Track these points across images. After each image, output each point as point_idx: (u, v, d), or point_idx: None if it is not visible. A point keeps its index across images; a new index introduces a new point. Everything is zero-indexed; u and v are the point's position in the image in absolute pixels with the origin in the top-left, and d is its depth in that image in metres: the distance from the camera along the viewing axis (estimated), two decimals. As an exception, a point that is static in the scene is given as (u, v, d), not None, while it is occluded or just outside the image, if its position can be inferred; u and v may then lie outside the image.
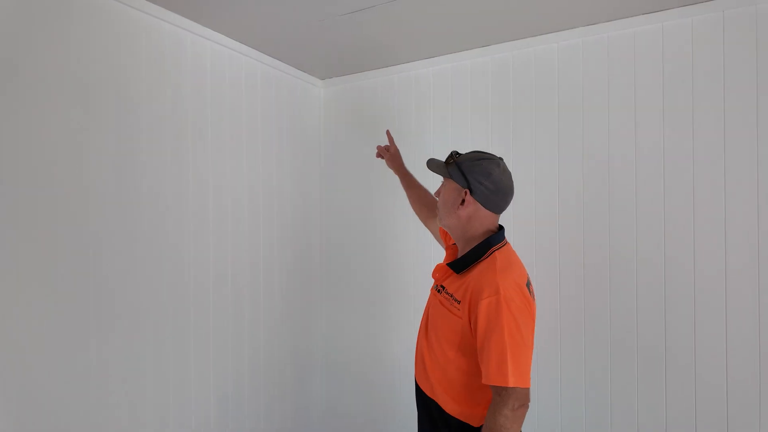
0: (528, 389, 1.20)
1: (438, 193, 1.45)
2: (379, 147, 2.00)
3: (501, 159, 1.39)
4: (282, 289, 2.36)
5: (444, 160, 1.44)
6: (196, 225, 1.91)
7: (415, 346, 1.56)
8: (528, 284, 1.32)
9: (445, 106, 2.25)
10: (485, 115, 2.14)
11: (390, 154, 1.95)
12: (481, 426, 1.28)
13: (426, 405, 1.40)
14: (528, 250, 2.00)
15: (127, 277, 1.65)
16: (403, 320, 2.35)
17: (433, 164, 1.46)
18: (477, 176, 1.33)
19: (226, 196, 2.04)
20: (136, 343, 1.68)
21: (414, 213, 1.91)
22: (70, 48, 1.50)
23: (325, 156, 2.63)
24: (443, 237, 1.70)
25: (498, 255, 1.30)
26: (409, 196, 1.90)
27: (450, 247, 1.54)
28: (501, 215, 1.41)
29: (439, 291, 1.40)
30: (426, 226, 1.86)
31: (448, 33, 2.00)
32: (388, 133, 2.02)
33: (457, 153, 1.41)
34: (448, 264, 1.39)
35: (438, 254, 2.11)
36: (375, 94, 2.46)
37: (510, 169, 1.40)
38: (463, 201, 1.34)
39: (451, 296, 1.33)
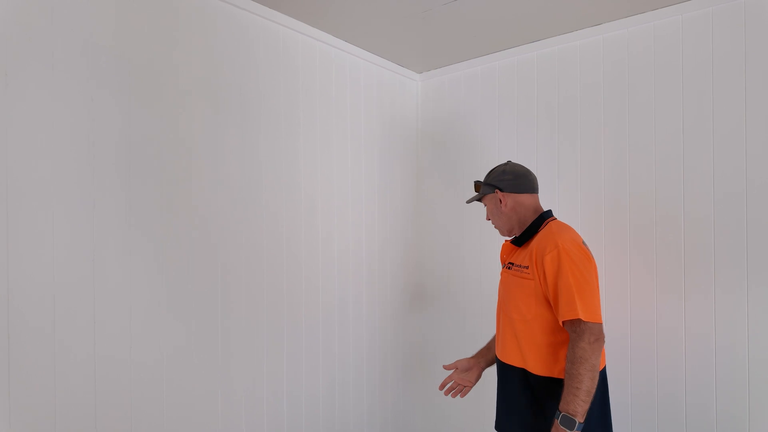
0: (600, 325, 1.35)
1: (487, 216, 1.68)
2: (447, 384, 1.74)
3: (508, 161, 1.70)
4: (381, 291, 2.40)
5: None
6: (307, 221, 1.99)
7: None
8: (584, 243, 1.48)
9: (551, 91, 2.14)
10: (596, 99, 2.00)
11: (462, 371, 1.74)
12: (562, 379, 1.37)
13: (511, 377, 1.52)
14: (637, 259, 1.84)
15: (248, 268, 1.77)
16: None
17: (472, 199, 1.73)
18: (496, 177, 1.62)
19: (332, 193, 2.11)
20: (255, 334, 1.80)
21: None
22: (200, 53, 1.63)
23: (422, 152, 2.62)
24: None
25: (552, 224, 1.53)
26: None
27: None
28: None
29: (509, 268, 1.59)
30: None
31: (555, 13, 1.90)
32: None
33: (480, 181, 1.70)
34: (511, 241, 1.63)
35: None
36: (474, 83, 2.40)
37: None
38: (501, 200, 1.58)
39: (520, 266, 1.52)
